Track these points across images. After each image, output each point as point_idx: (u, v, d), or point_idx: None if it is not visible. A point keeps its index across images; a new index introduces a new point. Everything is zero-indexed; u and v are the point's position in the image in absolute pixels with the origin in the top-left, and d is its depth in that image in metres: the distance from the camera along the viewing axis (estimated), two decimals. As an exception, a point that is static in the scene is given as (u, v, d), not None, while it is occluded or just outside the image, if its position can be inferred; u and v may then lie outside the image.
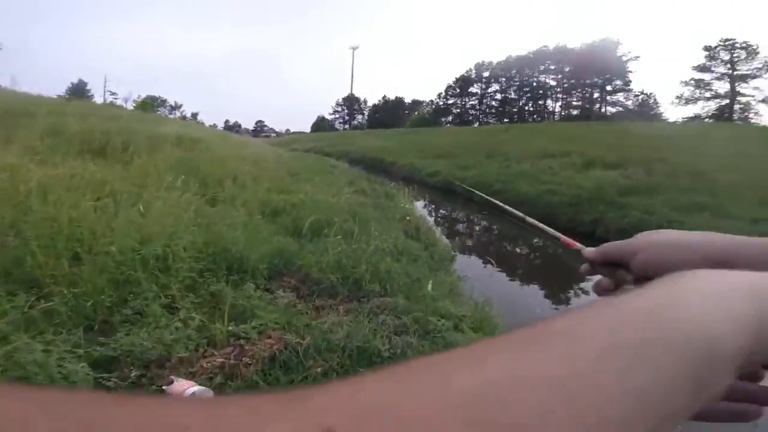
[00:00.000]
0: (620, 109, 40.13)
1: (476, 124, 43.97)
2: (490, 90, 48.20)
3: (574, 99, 43.27)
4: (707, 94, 34.48)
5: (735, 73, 32.90)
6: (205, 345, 1.86)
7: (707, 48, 34.10)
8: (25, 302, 1.84)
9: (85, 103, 13.73)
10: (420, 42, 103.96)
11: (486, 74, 48.25)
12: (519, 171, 9.89)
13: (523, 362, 0.11)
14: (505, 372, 0.10)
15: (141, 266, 2.28)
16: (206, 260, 2.59)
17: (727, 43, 32.92)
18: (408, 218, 5.26)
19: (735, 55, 32.76)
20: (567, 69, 42.73)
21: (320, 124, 61.39)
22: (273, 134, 64.86)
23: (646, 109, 38.81)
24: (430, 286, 2.74)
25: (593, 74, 40.29)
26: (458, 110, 50.30)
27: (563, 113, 42.82)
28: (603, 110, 40.46)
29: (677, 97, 35.85)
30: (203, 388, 1.52)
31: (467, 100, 49.90)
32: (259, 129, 69.44)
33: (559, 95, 44.11)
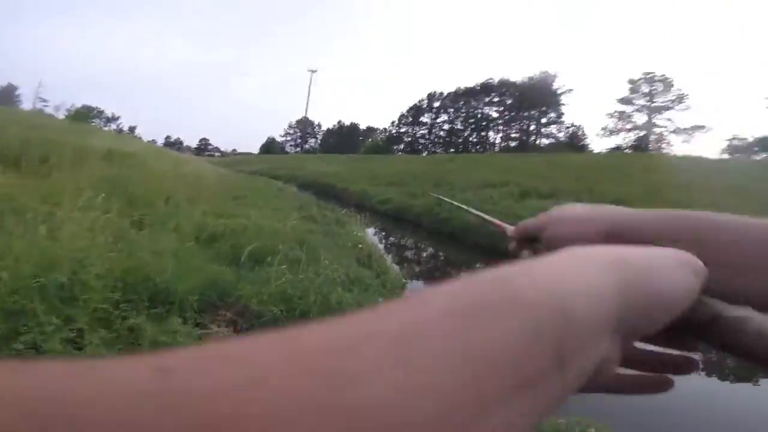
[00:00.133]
0: (553, 140, 43.46)
1: (425, 153, 45.58)
2: (439, 120, 50.51)
3: (513, 131, 46.30)
4: (628, 126, 38.08)
5: (652, 104, 36.32)
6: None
7: (631, 81, 37.60)
8: None
9: (7, 109, 12.25)
10: (378, 69, 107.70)
11: (437, 104, 50.62)
12: (463, 200, 10.23)
13: (373, 322, 0.11)
14: (354, 329, 0.10)
15: (39, 295, 1.93)
16: (124, 290, 2.27)
17: (647, 76, 36.27)
18: (360, 246, 5.14)
19: (653, 87, 36.22)
20: (509, 101, 46.00)
21: (270, 146, 60.22)
22: (218, 153, 62.42)
23: (576, 140, 41.82)
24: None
25: (531, 107, 43.51)
26: (409, 139, 51.92)
27: (503, 144, 45.73)
28: (538, 142, 43.78)
29: (602, 129, 39.58)
30: None
31: (418, 129, 51.80)
32: (203, 147, 66.39)
33: (500, 127, 47.07)
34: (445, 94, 49.81)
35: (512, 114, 45.80)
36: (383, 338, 0.10)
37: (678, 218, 0.24)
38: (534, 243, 0.32)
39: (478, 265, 5.76)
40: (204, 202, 5.21)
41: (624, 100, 38.20)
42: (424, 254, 7.76)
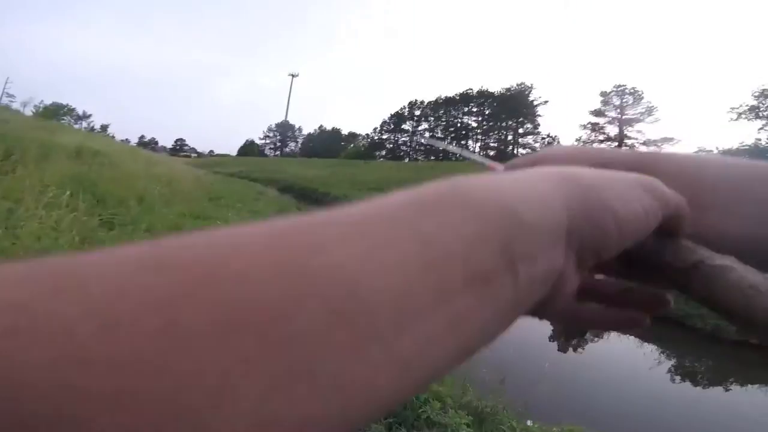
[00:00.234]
0: (530, 150, 44.72)
1: (407, 160, 45.93)
2: (420, 128, 51.03)
3: (492, 140, 47.20)
4: (601, 137, 39.17)
5: (623, 117, 37.47)
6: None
7: (602, 93, 38.61)
8: None
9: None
10: (360, 76, 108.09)
11: (418, 112, 51.17)
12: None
13: (338, 212, 0.11)
14: (321, 217, 0.11)
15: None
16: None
17: (618, 88, 37.47)
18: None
19: (624, 100, 37.44)
20: (487, 111, 47.04)
21: (248, 148, 59.19)
22: (194, 154, 60.89)
23: (551, 151, 43.57)
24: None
25: (509, 117, 44.58)
26: (391, 145, 52.15)
27: (482, 153, 46.61)
28: (515, 151, 44.88)
29: (576, 140, 40.80)
30: None
31: (400, 136, 52.13)
32: (179, 147, 64.72)
33: (479, 136, 48.02)
34: (426, 102, 50.56)
35: (491, 124, 46.72)
36: (346, 220, 0.11)
37: (662, 157, 0.23)
38: None
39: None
40: (180, 203, 5.00)
41: (596, 112, 39.50)
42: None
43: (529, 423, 2.19)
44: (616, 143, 37.81)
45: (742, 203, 0.20)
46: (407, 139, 51.69)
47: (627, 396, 3.24)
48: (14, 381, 0.07)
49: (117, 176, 5.20)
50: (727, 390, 3.74)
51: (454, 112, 49.02)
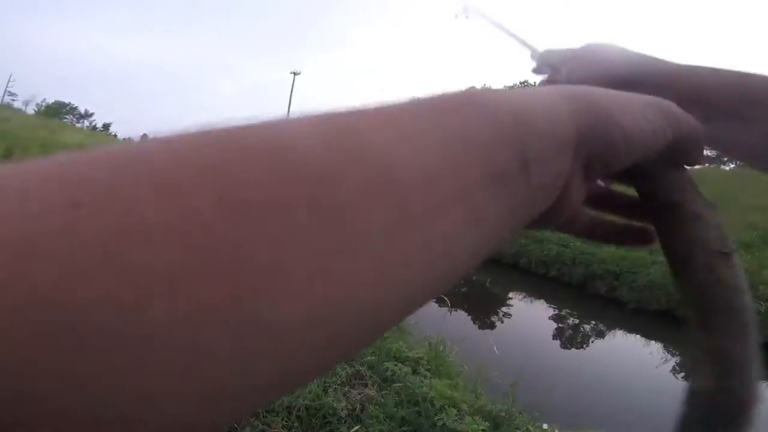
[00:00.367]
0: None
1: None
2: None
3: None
4: None
5: None
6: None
7: None
8: None
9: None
10: (362, 75, 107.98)
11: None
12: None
13: (352, 113, 0.11)
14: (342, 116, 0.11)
15: None
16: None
17: None
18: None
19: None
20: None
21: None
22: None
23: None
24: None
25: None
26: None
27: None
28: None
29: None
30: None
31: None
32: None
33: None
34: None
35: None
36: (373, 112, 0.11)
37: (686, 71, 0.24)
38: (555, 70, 0.33)
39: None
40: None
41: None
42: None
43: (545, 426, 2.19)
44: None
45: (761, 114, 0.22)
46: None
47: (643, 398, 3.24)
48: (74, 253, 0.06)
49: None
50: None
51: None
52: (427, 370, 2.12)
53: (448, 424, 1.92)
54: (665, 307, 4.88)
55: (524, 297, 6.01)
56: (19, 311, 0.06)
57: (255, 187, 0.08)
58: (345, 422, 1.55)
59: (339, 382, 1.76)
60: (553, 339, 4.57)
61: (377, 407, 1.65)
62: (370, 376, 1.85)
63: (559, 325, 5.04)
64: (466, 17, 0.46)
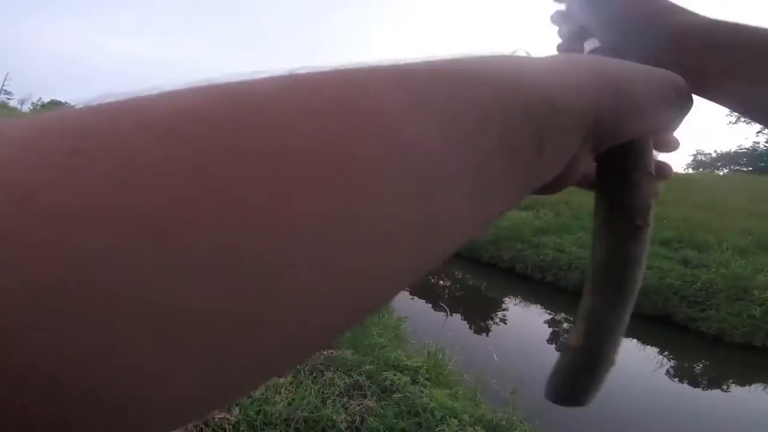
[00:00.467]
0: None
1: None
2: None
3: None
4: None
5: None
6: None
7: None
8: None
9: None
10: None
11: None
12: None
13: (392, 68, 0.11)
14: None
15: None
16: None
17: None
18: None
19: None
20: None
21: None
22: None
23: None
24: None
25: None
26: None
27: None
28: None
29: None
30: None
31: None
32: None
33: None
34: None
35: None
36: (385, 72, 0.11)
37: (718, 26, 0.24)
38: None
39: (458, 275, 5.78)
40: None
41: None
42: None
43: (546, 435, 2.16)
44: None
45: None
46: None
47: (643, 403, 3.22)
48: (74, 201, 0.06)
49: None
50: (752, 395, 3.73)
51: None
52: (427, 379, 2.09)
53: (449, 435, 1.89)
54: (662, 312, 4.89)
55: (521, 302, 5.99)
56: (21, 262, 0.06)
57: (257, 139, 0.08)
58: (344, 436, 1.51)
59: (337, 392, 1.73)
60: (551, 344, 4.55)
61: (377, 419, 1.61)
62: (369, 386, 1.81)
63: (557, 330, 5.01)
64: None
